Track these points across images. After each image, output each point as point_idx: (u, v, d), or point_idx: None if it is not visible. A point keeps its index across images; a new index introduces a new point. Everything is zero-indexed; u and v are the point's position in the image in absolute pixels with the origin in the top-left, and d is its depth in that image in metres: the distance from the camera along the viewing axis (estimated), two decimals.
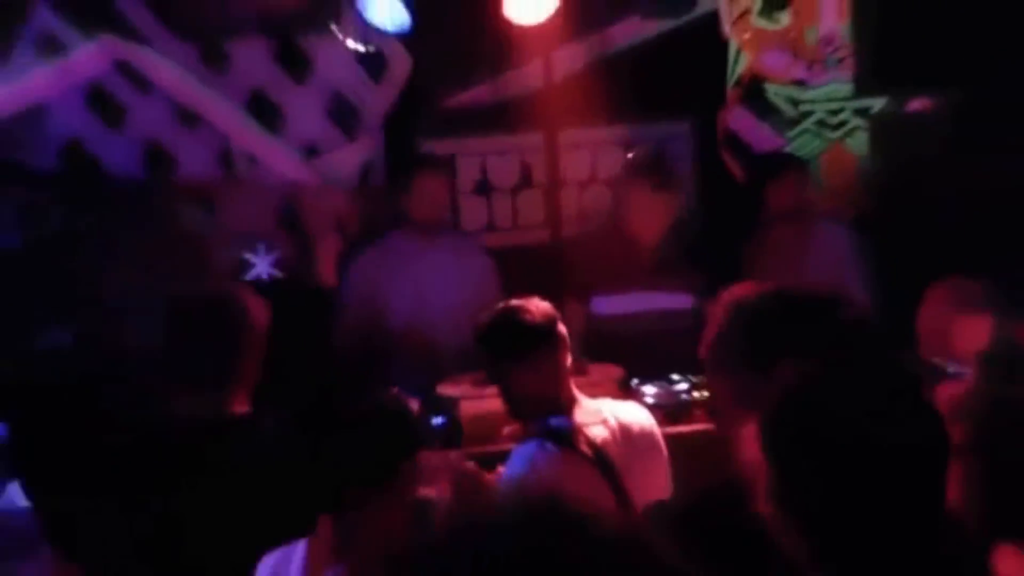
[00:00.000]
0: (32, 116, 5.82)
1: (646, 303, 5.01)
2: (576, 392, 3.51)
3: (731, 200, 6.04)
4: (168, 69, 5.86)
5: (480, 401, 4.23)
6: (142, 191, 5.89)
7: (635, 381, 4.59)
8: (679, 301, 4.98)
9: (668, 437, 3.58)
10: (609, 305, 5.05)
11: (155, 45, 5.91)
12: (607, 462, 3.30)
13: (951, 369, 4.03)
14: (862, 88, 6.03)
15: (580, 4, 5.69)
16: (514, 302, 3.55)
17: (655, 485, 3.39)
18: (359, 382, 3.80)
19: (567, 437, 3.31)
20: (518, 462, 3.31)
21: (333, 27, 5.86)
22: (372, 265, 5.14)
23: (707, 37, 6.21)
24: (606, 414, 3.48)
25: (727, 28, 6.23)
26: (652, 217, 4.98)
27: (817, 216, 5.52)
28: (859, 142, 6.12)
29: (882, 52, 5.62)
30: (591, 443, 3.33)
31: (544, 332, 3.44)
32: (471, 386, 4.40)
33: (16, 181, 5.92)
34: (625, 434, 3.44)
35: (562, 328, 3.48)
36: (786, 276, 4.98)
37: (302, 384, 3.38)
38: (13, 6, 5.69)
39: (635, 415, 3.55)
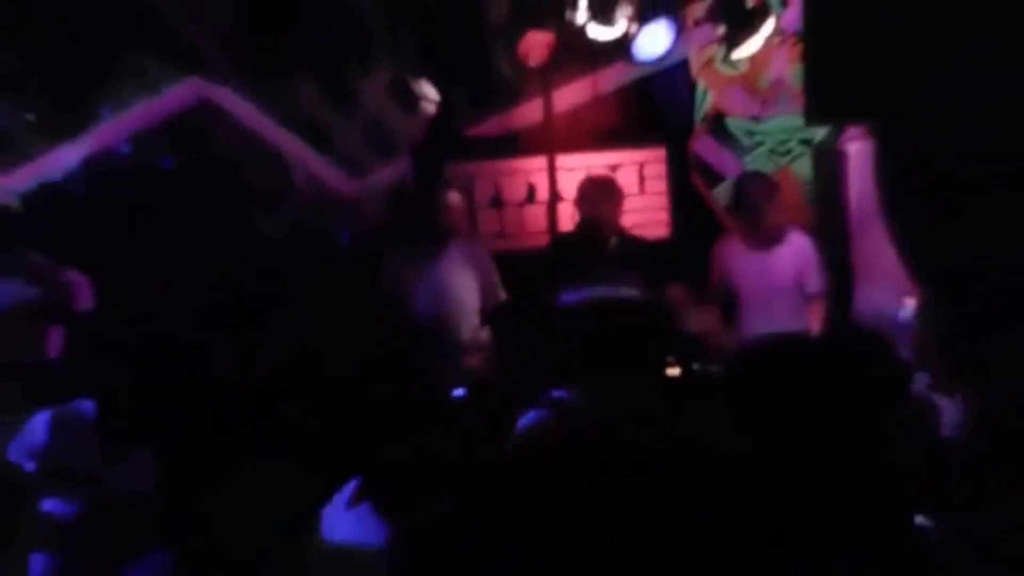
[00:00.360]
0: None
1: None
2: None
3: (698, 210, 6.93)
4: (238, 102, 6.84)
5: None
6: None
7: None
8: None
9: None
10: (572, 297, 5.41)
11: (228, 82, 6.84)
12: None
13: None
14: (809, 120, 6.44)
15: (575, 51, 6.55)
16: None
17: None
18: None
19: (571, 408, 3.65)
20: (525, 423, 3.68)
21: (375, 70, 6.80)
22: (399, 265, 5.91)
23: (679, 79, 7.05)
24: None
25: (695, 72, 7.08)
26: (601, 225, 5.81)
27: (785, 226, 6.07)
28: (803, 166, 6.97)
29: (824, 90, 6.33)
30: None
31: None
32: None
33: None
34: None
35: None
36: (758, 275, 5.87)
37: None
38: (116, 53, 6.73)
39: None
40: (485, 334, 5.90)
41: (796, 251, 6.02)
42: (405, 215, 6.59)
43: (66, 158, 6.78)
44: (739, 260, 6.00)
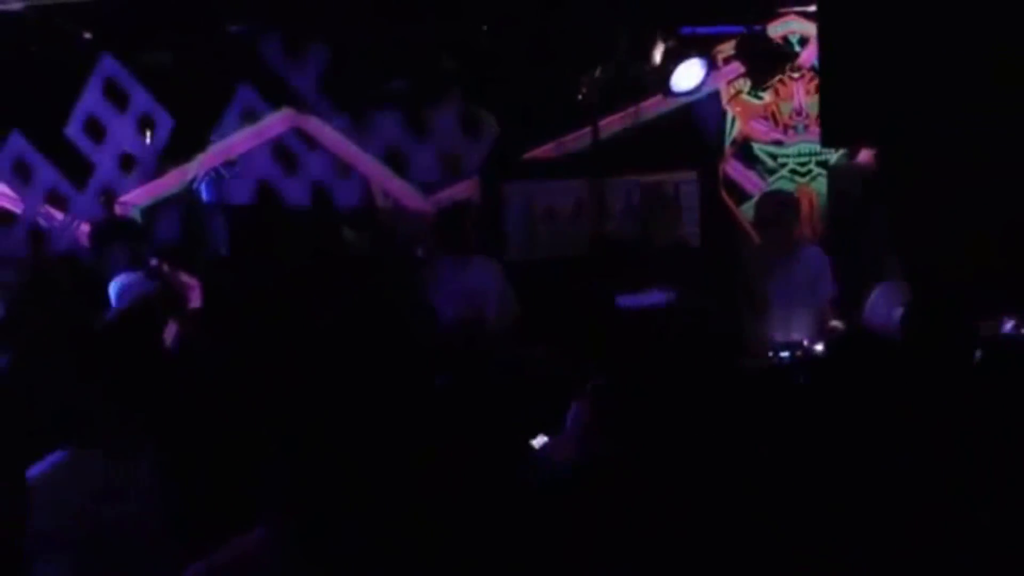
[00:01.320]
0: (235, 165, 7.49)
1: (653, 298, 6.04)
2: None
3: (725, 226, 7.50)
4: (329, 131, 7.45)
5: None
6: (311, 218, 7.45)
7: None
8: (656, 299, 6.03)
9: None
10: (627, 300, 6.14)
11: (320, 114, 7.44)
12: None
13: None
14: (825, 144, 7.08)
15: (620, 85, 7.09)
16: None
17: None
18: None
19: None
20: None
21: (445, 102, 7.42)
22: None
23: (710, 109, 7.64)
24: None
25: (725, 102, 7.71)
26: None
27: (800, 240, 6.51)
28: (820, 185, 7.59)
29: (836, 117, 6.09)
30: None
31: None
32: None
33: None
34: None
35: None
36: (778, 283, 6.11)
37: None
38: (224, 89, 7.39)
39: None
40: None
41: (810, 261, 6.36)
42: (441, 230, 6.85)
43: (180, 178, 7.40)
44: (762, 269, 6.31)
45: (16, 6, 7.05)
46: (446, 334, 5.63)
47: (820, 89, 6.18)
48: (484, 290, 6.35)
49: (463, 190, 7.51)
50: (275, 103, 7.37)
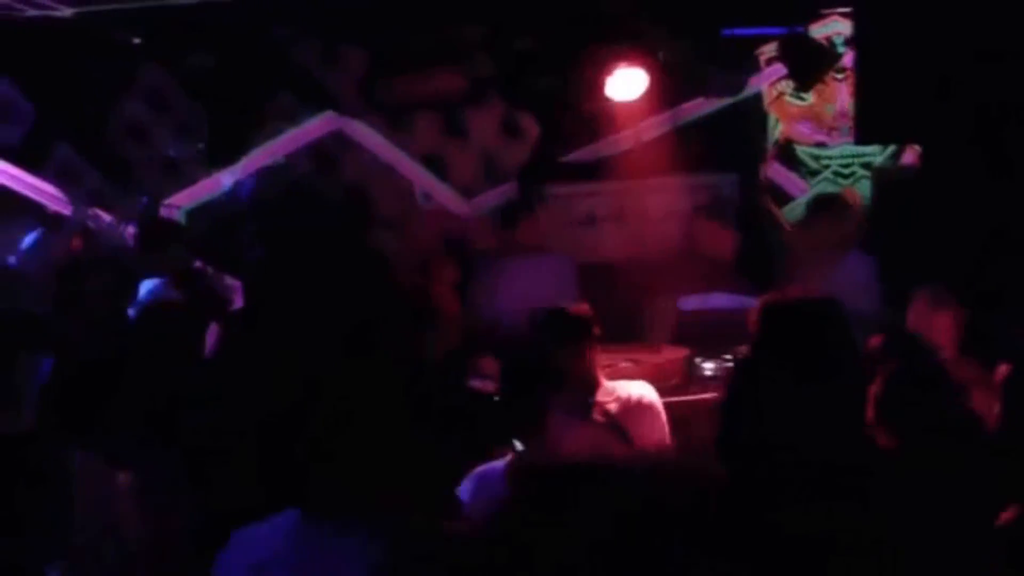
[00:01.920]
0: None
1: (716, 302, 6.00)
2: (600, 376, 4.06)
3: (766, 229, 7.07)
4: (369, 134, 7.47)
5: None
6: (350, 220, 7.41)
7: (699, 359, 5.47)
8: (739, 301, 5.76)
9: None
10: (691, 303, 6.06)
11: (359, 117, 7.47)
12: (618, 426, 3.82)
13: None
14: (859, 140, 6.88)
15: (660, 87, 6.84)
16: (562, 303, 4.17)
17: (654, 439, 3.89)
18: None
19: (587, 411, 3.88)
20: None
21: (484, 104, 7.40)
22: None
23: (753, 111, 7.52)
24: (619, 392, 3.99)
25: (767, 104, 7.60)
26: (719, 243, 6.21)
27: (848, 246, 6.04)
28: (863, 188, 7.34)
29: (874, 113, 6.05)
30: (606, 413, 3.87)
31: (585, 326, 3.98)
32: None
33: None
34: (630, 405, 3.95)
35: (596, 327, 4.08)
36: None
37: None
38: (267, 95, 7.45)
39: (639, 391, 4.02)
40: None
41: (856, 270, 5.93)
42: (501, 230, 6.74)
43: (223, 181, 7.47)
44: (802, 275, 5.84)
45: (66, 13, 7.17)
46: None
47: (855, 85, 6.05)
48: (559, 287, 6.03)
49: (503, 193, 7.48)
50: (315, 106, 7.40)
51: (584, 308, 4.16)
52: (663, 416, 4.02)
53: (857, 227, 6.73)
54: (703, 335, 5.59)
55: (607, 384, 4.03)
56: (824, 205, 6.35)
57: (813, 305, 2.90)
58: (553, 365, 3.75)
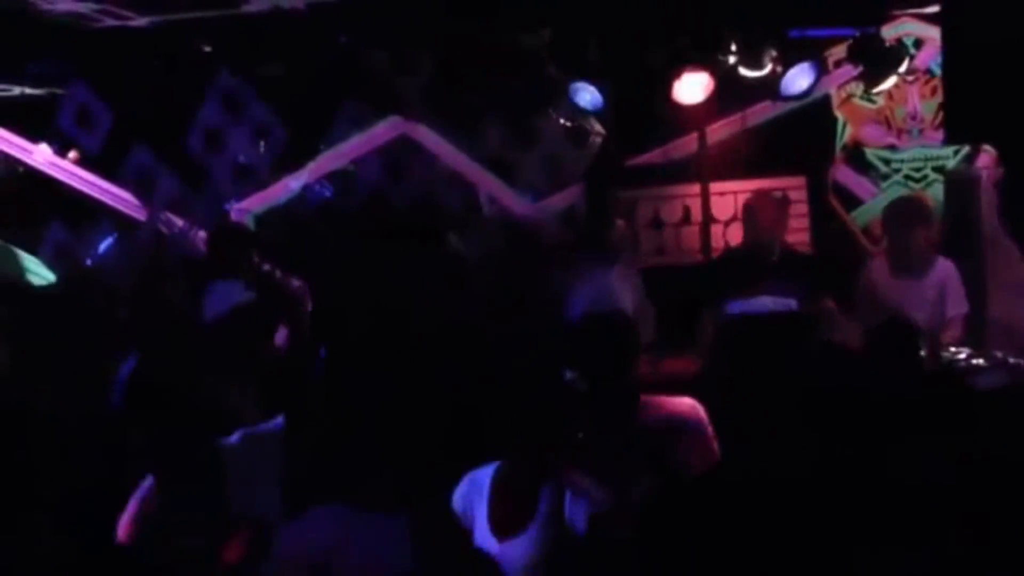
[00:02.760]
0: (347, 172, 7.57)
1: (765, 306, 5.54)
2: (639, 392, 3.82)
3: (834, 232, 7.19)
4: (437, 139, 7.47)
5: None
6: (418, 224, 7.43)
7: None
8: (788, 304, 5.47)
9: None
10: (738, 307, 5.59)
11: (427, 123, 7.47)
12: (655, 447, 3.61)
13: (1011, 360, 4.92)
14: (948, 140, 6.74)
15: (727, 90, 6.75)
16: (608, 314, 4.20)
17: (700, 460, 3.62)
18: None
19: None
20: None
21: (551, 111, 7.37)
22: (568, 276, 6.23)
23: (821, 114, 7.35)
24: (662, 410, 3.75)
25: (836, 107, 7.43)
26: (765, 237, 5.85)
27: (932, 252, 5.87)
28: (936, 191, 7.06)
29: (961, 113, 5.65)
30: (644, 431, 3.65)
31: (628, 337, 3.84)
32: None
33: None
34: (673, 423, 3.72)
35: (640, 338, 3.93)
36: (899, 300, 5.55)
37: None
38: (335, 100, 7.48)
39: (682, 408, 3.78)
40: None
41: (940, 280, 5.82)
42: (581, 234, 6.77)
43: (291, 186, 7.54)
44: (884, 283, 5.86)
45: (141, 22, 7.27)
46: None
47: (944, 84, 5.82)
48: (623, 295, 6.10)
49: (569, 197, 7.46)
50: (383, 112, 7.43)
51: (624, 318, 4.09)
52: (709, 435, 3.75)
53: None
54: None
55: (650, 401, 3.82)
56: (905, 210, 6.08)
57: None
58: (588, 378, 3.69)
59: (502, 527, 3.28)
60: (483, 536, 3.27)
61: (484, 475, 3.37)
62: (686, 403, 3.81)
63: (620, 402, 3.76)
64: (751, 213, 5.92)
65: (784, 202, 6.48)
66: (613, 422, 3.67)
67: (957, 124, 5.63)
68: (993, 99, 5.30)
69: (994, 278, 6.24)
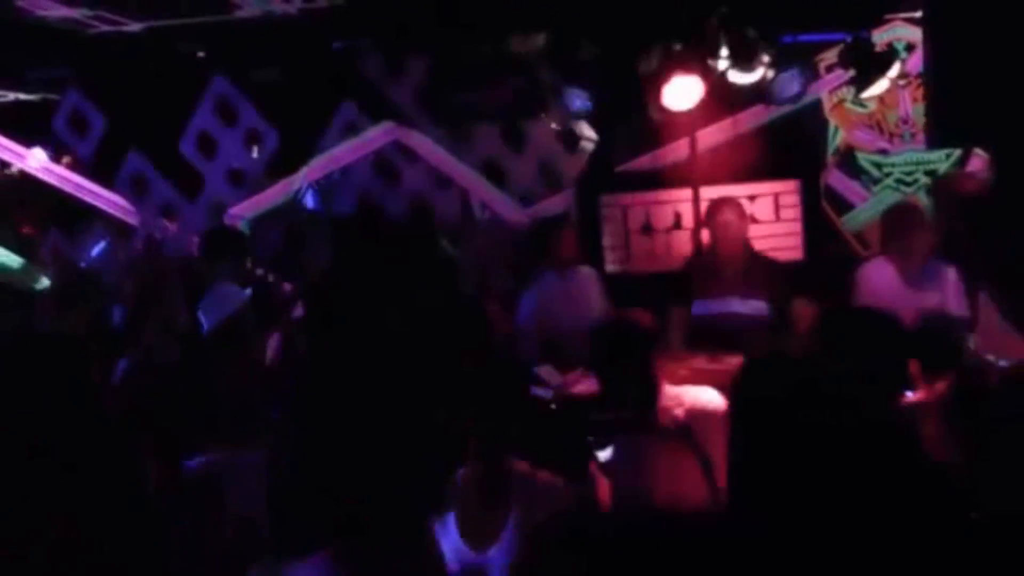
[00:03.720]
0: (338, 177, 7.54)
1: (732, 307, 5.60)
2: (663, 382, 3.82)
3: (825, 236, 7.10)
4: (429, 144, 7.44)
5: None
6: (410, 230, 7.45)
7: None
8: (757, 307, 5.56)
9: None
10: (703, 308, 5.66)
11: (420, 128, 7.44)
12: (687, 434, 3.63)
13: (1001, 363, 4.66)
14: (931, 145, 6.74)
15: (718, 95, 6.63)
16: (626, 314, 4.06)
17: (723, 446, 3.66)
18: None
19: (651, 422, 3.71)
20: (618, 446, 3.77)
21: (542, 115, 7.25)
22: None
23: (813, 119, 7.31)
24: (685, 398, 3.76)
25: (827, 112, 7.38)
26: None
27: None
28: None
29: (944, 119, 5.97)
30: (674, 420, 3.68)
31: (652, 337, 3.85)
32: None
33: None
34: (697, 411, 3.71)
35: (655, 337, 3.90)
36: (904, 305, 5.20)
37: None
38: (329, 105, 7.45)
39: (707, 396, 3.75)
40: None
41: (943, 285, 5.71)
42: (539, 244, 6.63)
43: (284, 191, 7.50)
44: (888, 286, 5.71)
45: (135, 28, 7.24)
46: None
47: (926, 90, 5.78)
48: (587, 301, 6.09)
49: (560, 202, 7.41)
50: (376, 117, 7.38)
51: (646, 318, 4.06)
52: None
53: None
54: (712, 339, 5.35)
55: (671, 390, 3.82)
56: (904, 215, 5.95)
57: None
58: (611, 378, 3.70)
59: (476, 538, 3.22)
60: (456, 548, 3.21)
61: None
62: (709, 391, 3.78)
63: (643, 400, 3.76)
64: (712, 218, 5.87)
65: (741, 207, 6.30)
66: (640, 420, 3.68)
67: (940, 128, 5.83)
68: (976, 104, 5.42)
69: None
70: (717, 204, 5.97)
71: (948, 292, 5.70)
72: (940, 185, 6.83)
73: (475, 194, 7.42)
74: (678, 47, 6.76)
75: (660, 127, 7.01)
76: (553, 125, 7.19)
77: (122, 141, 7.55)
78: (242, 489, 3.37)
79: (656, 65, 6.81)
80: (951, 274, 5.74)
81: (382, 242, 7.28)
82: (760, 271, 5.71)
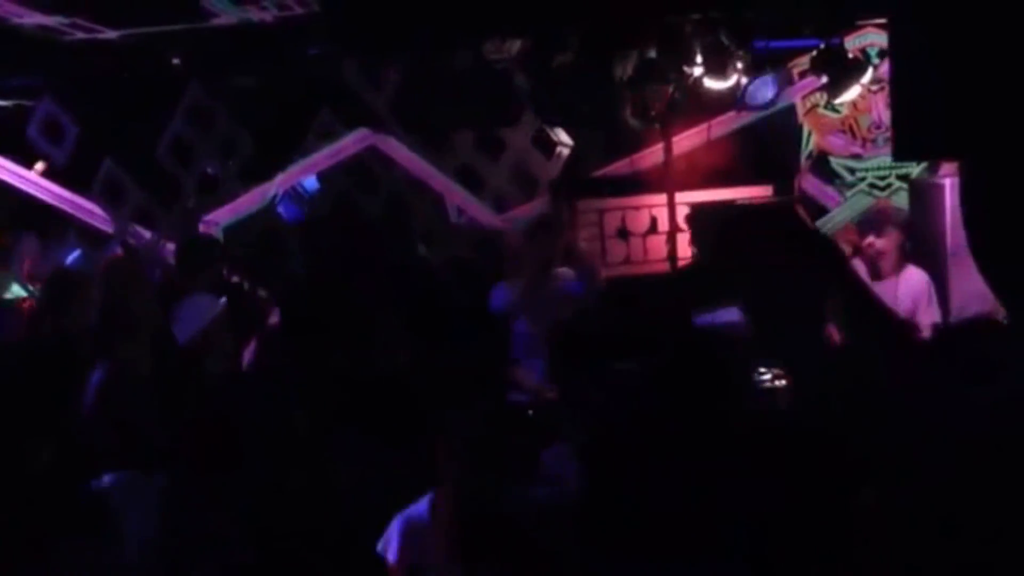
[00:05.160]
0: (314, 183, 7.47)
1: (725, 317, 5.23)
2: None
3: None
4: (405, 150, 7.36)
5: None
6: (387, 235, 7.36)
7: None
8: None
9: None
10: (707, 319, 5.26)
11: (396, 134, 7.36)
12: None
13: None
14: (897, 156, 6.87)
15: (692, 101, 6.71)
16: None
17: None
18: None
19: None
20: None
21: (519, 122, 7.27)
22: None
23: (786, 124, 7.29)
24: None
25: (801, 117, 7.37)
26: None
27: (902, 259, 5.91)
28: (900, 199, 7.14)
29: (909, 129, 6.03)
30: None
31: None
32: None
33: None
34: None
35: None
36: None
37: None
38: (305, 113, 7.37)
39: None
40: None
41: (911, 286, 5.89)
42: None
43: (260, 197, 7.40)
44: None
45: (111, 35, 7.16)
46: None
47: (891, 98, 5.75)
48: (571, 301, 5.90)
49: (536, 207, 7.30)
50: (352, 123, 7.32)
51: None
52: None
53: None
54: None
55: None
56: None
57: None
58: None
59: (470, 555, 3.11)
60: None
61: (418, 512, 3.23)
62: None
63: None
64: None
65: None
66: None
67: (905, 140, 5.56)
68: (941, 114, 5.27)
69: (962, 286, 6.10)
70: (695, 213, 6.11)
71: (919, 297, 5.82)
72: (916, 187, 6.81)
73: (451, 199, 7.36)
74: (653, 54, 6.89)
75: (635, 133, 6.99)
76: (528, 131, 7.16)
77: (96, 148, 7.45)
78: (140, 511, 3.32)
79: (631, 71, 6.90)
80: (923, 278, 5.88)
81: (357, 242, 7.17)
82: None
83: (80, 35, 7.15)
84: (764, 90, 6.59)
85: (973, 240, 5.91)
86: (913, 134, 5.49)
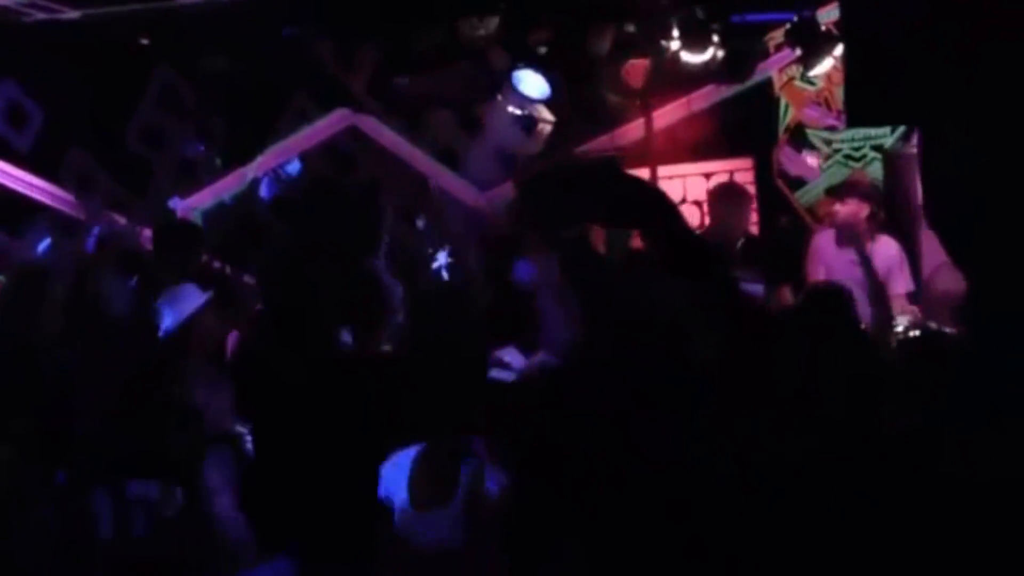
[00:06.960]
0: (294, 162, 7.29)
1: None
2: None
3: (782, 211, 7.17)
4: (384, 130, 7.21)
5: None
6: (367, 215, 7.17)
7: None
8: (756, 289, 5.40)
9: None
10: None
11: (375, 113, 7.20)
12: None
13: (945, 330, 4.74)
14: (851, 123, 6.82)
15: (671, 75, 6.74)
16: None
17: None
18: None
19: None
20: None
21: (499, 98, 7.05)
22: None
23: (764, 97, 7.30)
24: None
25: (777, 89, 7.40)
26: (732, 228, 5.92)
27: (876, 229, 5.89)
28: (875, 170, 7.18)
29: (861, 94, 6.11)
30: None
31: None
32: None
33: None
34: None
35: None
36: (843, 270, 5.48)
37: None
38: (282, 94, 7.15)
39: None
40: None
41: (884, 255, 5.88)
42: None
43: (238, 180, 7.20)
44: (829, 255, 5.91)
45: (73, 15, 6.84)
46: None
47: (844, 66, 5.73)
48: None
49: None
50: (330, 104, 7.13)
51: None
52: None
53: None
54: None
55: None
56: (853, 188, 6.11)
57: None
58: None
59: (422, 502, 3.35)
60: (403, 512, 3.33)
61: (405, 457, 3.41)
62: None
63: None
64: (721, 203, 5.93)
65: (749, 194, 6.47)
66: None
67: (858, 105, 5.59)
68: (894, 79, 5.31)
69: (938, 254, 6.13)
70: (718, 188, 6.20)
71: (892, 266, 5.83)
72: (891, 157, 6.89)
73: (432, 178, 7.23)
74: (630, 28, 6.81)
75: (615, 107, 6.97)
76: (510, 109, 6.99)
77: (64, 134, 7.13)
78: None
79: (611, 47, 6.83)
80: (895, 248, 5.90)
81: (335, 216, 7.01)
82: (756, 254, 5.74)
83: (40, 15, 6.84)
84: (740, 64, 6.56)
85: (928, 205, 6.21)
86: (866, 98, 5.68)
